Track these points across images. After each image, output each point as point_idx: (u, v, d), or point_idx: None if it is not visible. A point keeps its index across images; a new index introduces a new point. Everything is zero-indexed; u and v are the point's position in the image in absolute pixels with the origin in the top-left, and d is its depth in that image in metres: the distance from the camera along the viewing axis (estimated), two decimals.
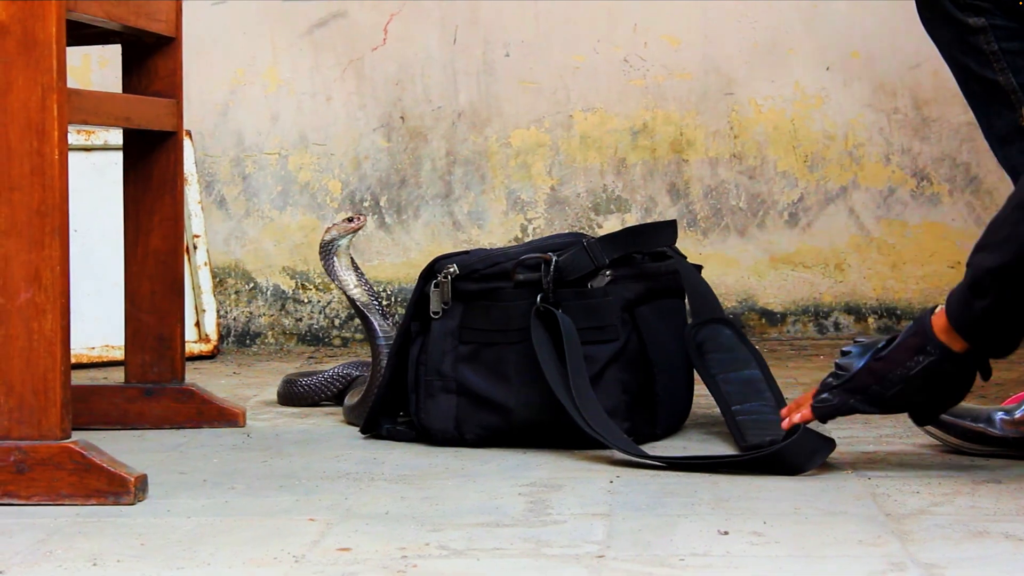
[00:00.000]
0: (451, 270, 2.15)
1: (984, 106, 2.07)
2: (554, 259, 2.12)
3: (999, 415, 2.01)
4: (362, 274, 2.37)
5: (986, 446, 2.00)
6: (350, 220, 2.34)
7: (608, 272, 2.13)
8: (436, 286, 2.16)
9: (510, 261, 2.14)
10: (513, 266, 2.13)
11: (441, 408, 2.14)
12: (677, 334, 2.21)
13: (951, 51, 2.07)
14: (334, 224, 2.36)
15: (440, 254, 2.22)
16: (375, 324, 2.33)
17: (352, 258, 2.37)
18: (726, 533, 1.61)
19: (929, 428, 2.05)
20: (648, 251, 2.22)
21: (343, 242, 2.35)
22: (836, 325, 3.30)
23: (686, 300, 2.27)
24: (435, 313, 2.16)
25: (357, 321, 3.31)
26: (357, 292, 2.34)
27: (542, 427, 2.10)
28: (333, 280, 2.36)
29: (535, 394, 2.09)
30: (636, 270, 2.17)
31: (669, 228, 2.27)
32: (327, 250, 2.35)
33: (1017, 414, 2.00)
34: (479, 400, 2.13)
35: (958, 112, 3.25)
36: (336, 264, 2.35)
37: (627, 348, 2.13)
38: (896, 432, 2.20)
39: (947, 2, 2.03)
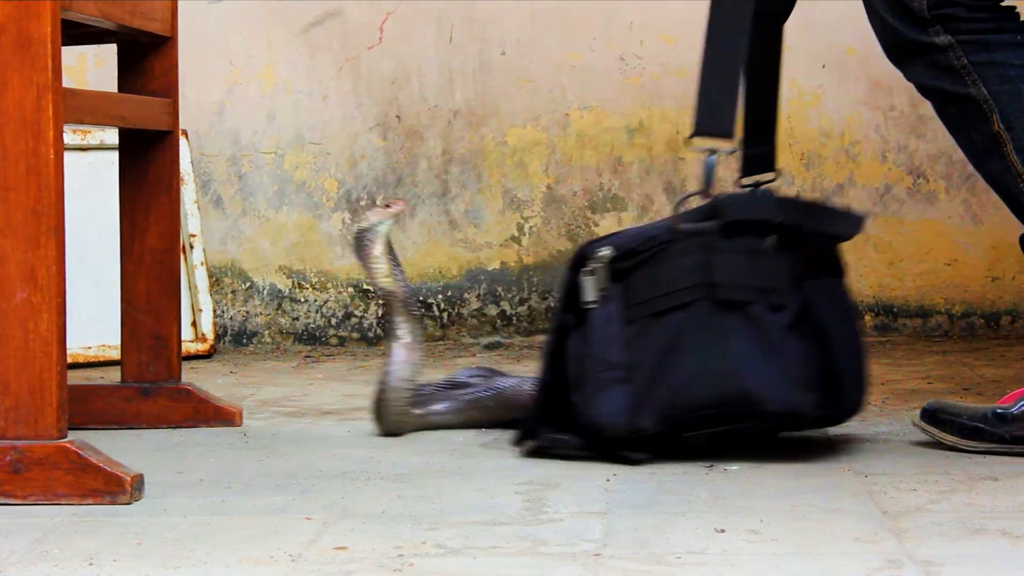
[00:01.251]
0: (605, 253, 1.99)
1: (963, 127, 2.10)
2: (718, 198, 1.98)
3: (996, 412, 2.01)
4: (398, 264, 2.24)
5: (983, 443, 2.00)
6: (388, 206, 2.22)
7: (774, 237, 1.98)
8: (589, 273, 2.00)
9: (668, 232, 1.99)
10: (674, 217, 1.99)
11: (614, 400, 1.96)
12: (847, 317, 2.04)
13: (926, 80, 2.10)
14: (372, 210, 2.23)
15: (587, 241, 2.06)
16: (400, 321, 2.21)
17: (391, 246, 2.23)
18: (723, 531, 1.61)
19: (926, 426, 2.05)
20: (820, 231, 2.03)
21: (383, 228, 2.20)
22: None
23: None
24: (590, 301, 1.99)
25: (354, 320, 3.32)
26: (387, 282, 2.21)
27: (721, 402, 1.94)
28: (367, 269, 2.22)
29: (714, 362, 1.94)
30: (802, 243, 2.00)
31: (849, 218, 2.07)
32: (366, 237, 2.21)
33: (1014, 410, 2.00)
34: (652, 380, 1.95)
35: None
36: (373, 251, 2.20)
37: (800, 320, 1.96)
38: (893, 430, 2.20)
39: (910, 31, 2.06)
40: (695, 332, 1.95)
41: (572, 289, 2.01)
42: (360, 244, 2.23)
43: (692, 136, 2.04)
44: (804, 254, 2.00)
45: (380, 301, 2.29)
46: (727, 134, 2.02)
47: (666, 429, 1.95)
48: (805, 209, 2.04)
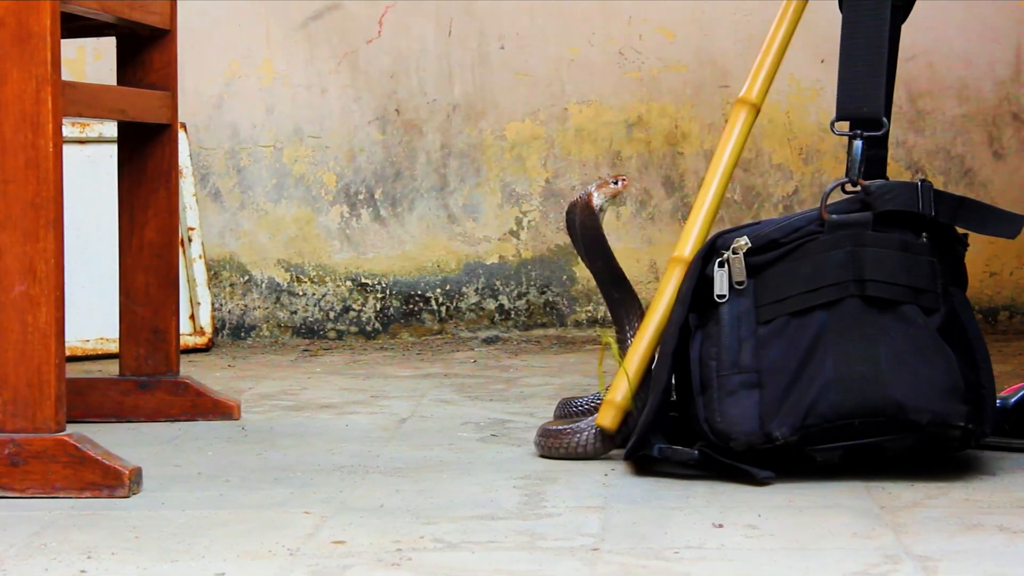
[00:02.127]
0: (741, 243, 1.83)
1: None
2: (870, 186, 1.83)
3: (996, 404, 2.01)
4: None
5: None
6: (615, 182, 1.99)
7: (925, 235, 1.84)
8: (722, 264, 1.83)
9: (813, 223, 1.83)
10: (822, 206, 1.82)
11: (745, 406, 1.79)
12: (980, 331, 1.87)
13: None
14: (597, 186, 2.00)
15: (718, 232, 1.89)
16: (634, 301, 1.98)
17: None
18: (721, 526, 1.62)
19: None
20: (979, 231, 1.88)
21: (607, 208, 2.00)
22: None
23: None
24: (720, 297, 1.83)
25: (352, 314, 3.32)
26: (612, 267, 2.00)
27: (865, 410, 1.78)
28: (584, 253, 2.00)
29: (859, 365, 1.77)
30: (949, 244, 1.86)
31: (1010, 219, 1.88)
32: (594, 217, 1.99)
33: (1012, 401, 2.00)
34: (790, 384, 1.79)
35: (952, 105, 3.25)
36: (598, 232, 1.99)
37: (951, 326, 1.82)
38: None
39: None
40: (840, 333, 1.79)
41: (700, 284, 1.85)
42: (586, 226, 2.01)
43: (837, 120, 1.89)
44: (949, 256, 1.87)
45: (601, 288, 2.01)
46: (875, 116, 1.88)
47: (799, 441, 1.79)
48: (960, 204, 1.86)
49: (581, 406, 2.13)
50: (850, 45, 1.91)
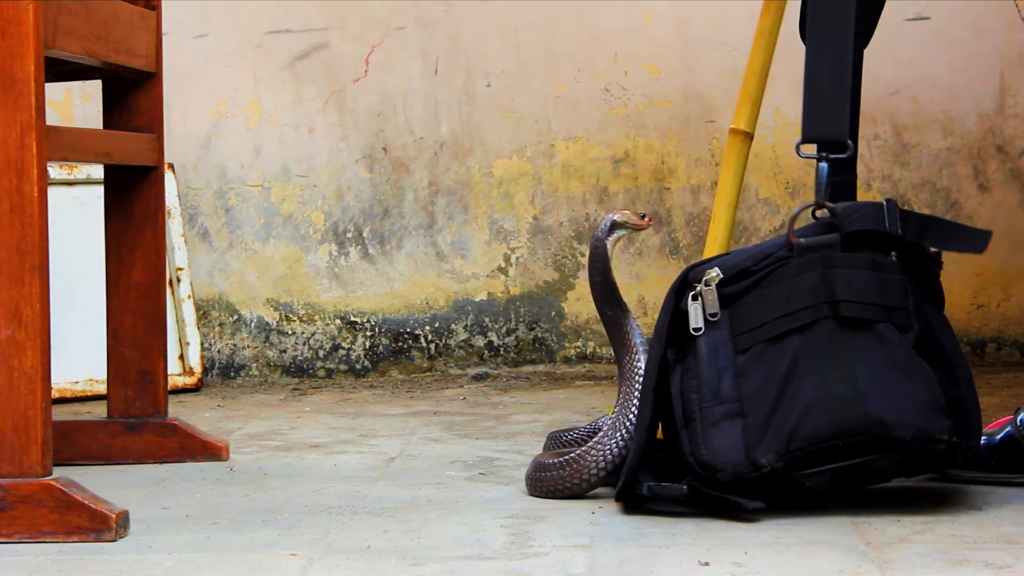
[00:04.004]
0: (713, 274, 1.84)
1: None
2: (836, 208, 1.84)
3: (981, 440, 2.01)
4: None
5: (968, 471, 2.00)
6: (642, 215, 2.01)
7: (894, 254, 1.84)
8: (696, 298, 1.84)
9: (782, 248, 1.84)
10: (789, 231, 1.83)
11: (729, 436, 1.79)
12: (959, 348, 1.88)
13: None
14: (622, 211, 2.01)
15: (690, 265, 1.90)
16: (633, 324, 1.99)
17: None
18: (707, 564, 1.62)
19: None
20: (945, 247, 1.88)
21: (622, 233, 2.01)
22: None
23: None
24: (696, 330, 1.83)
25: (342, 352, 3.32)
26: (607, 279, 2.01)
27: (848, 430, 1.77)
28: (596, 268, 2.02)
29: (838, 386, 1.77)
30: (920, 262, 1.86)
31: (975, 234, 1.89)
32: (608, 232, 2.01)
33: (999, 437, 2.01)
34: (771, 410, 1.79)
35: (937, 138, 3.27)
36: (607, 253, 2.01)
37: (927, 342, 1.81)
38: None
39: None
40: (817, 355, 1.79)
41: (675, 318, 1.85)
42: (598, 242, 2.03)
43: (802, 142, 1.91)
44: (921, 274, 1.87)
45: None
46: (840, 138, 1.90)
47: (786, 467, 1.79)
48: (927, 223, 1.86)
49: (571, 439, 2.13)
50: (814, 69, 1.93)
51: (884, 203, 1.84)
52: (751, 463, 1.79)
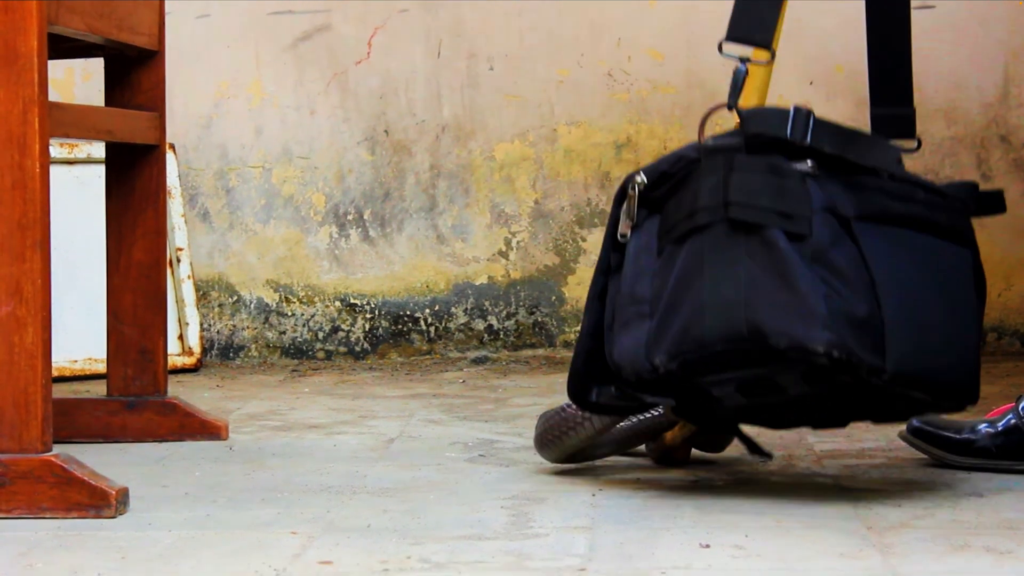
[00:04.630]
0: (637, 179, 1.83)
1: None
2: (742, 111, 1.81)
3: (983, 427, 2.01)
4: None
5: (969, 457, 2.00)
6: None
7: (810, 163, 1.78)
8: (621, 203, 1.84)
9: (694, 150, 1.82)
10: (700, 131, 1.81)
11: (634, 337, 1.79)
12: (935, 278, 1.81)
13: None
14: None
15: (629, 174, 1.89)
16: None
17: None
18: (708, 546, 1.61)
19: (912, 439, 2.05)
20: (861, 161, 1.82)
21: None
22: None
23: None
24: (622, 236, 1.84)
25: (341, 335, 3.31)
26: None
27: (730, 336, 1.74)
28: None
29: (724, 290, 1.74)
30: (858, 180, 1.80)
31: (887, 149, 1.84)
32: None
33: (1000, 425, 2.01)
34: (668, 310, 1.77)
35: (941, 127, 3.26)
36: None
37: (829, 255, 1.75)
38: (878, 445, 2.20)
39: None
40: (711, 257, 1.76)
41: (613, 226, 1.86)
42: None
43: (726, 40, 1.88)
44: (855, 189, 1.80)
45: None
46: (764, 43, 1.88)
47: (681, 370, 1.77)
48: (849, 137, 1.81)
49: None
50: None
51: (792, 109, 1.80)
52: (649, 364, 1.77)
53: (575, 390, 1.87)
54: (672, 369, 1.77)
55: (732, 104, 1.85)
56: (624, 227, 1.84)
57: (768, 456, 1.96)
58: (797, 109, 1.80)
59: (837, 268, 1.76)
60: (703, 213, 1.78)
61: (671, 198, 1.82)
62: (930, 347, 1.79)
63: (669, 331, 1.77)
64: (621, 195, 1.86)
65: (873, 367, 1.74)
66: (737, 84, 1.87)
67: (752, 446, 1.96)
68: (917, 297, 1.79)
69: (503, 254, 3.31)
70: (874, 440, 2.24)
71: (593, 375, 1.85)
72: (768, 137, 1.80)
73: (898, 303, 1.76)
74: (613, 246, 1.86)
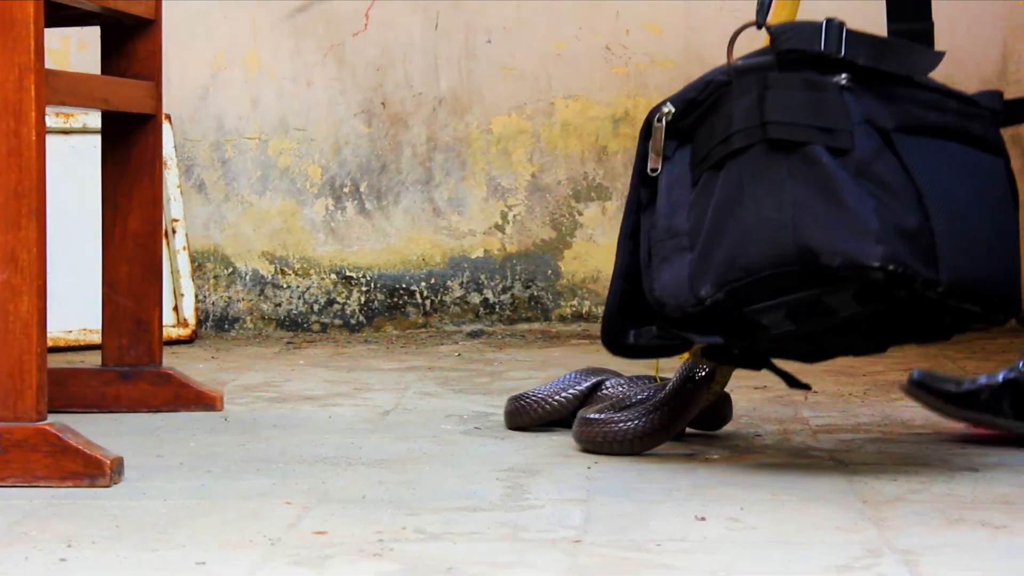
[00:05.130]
0: (665, 110, 1.78)
1: None
2: (773, 28, 1.76)
3: (983, 379, 1.99)
4: None
5: (968, 411, 1.98)
6: None
7: (844, 76, 1.74)
8: (648, 137, 1.79)
9: (723, 73, 1.77)
10: (729, 52, 1.76)
11: (675, 271, 1.73)
12: (975, 188, 1.76)
13: None
14: None
15: (653, 107, 1.83)
16: None
17: None
18: (703, 519, 1.61)
19: (912, 390, 2.02)
20: (899, 71, 1.77)
21: None
22: None
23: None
24: (652, 170, 1.78)
25: (336, 307, 3.31)
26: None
27: (779, 259, 1.68)
28: None
29: (769, 213, 1.69)
30: (891, 91, 1.76)
31: (926, 56, 1.81)
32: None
33: (1000, 377, 1.98)
34: (710, 240, 1.72)
35: None
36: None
37: (874, 168, 1.70)
38: (874, 420, 2.20)
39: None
40: (752, 180, 1.70)
41: (641, 161, 1.80)
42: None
43: None
44: (891, 101, 1.75)
45: None
46: None
47: (728, 300, 1.70)
48: (883, 47, 1.76)
49: (533, 399, 2.12)
50: None
51: (824, 22, 1.76)
52: (695, 296, 1.71)
53: (609, 335, 1.81)
54: (719, 300, 1.71)
55: (761, 22, 1.80)
56: (653, 161, 1.78)
57: (807, 387, 1.89)
58: (829, 21, 1.76)
59: (883, 181, 1.70)
60: (739, 136, 1.72)
61: (701, 126, 1.77)
62: (979, 257, 1.73)
63: (713, 261, 1.71)
64: (647, 128, 1.80)
65: (928, 280, 1.69)
66: (765, 1, 1.81)
67: (790, 379, 1.89)
68: (962, 207, 1.73)
69: (499, 228, 3.30)
70: (869, 415, 2.24)
71: (629, 317, 1.80)
72: (802, 52, 1.75)
73: (946, 214, 1.71)
74: (642, 182, 1.79)
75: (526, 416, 2.11)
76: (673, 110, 1.78)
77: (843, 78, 1.74)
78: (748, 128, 1.72)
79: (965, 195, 1.75)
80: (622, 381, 2.12)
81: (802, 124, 1.71)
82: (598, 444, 1.95)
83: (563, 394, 2.10)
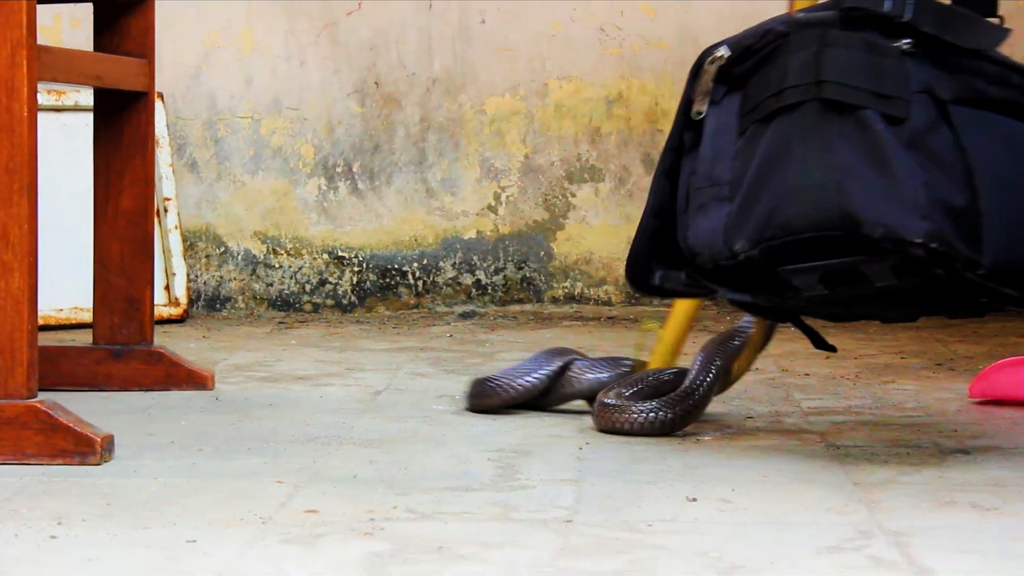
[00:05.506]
0: (719, 53, 1.72)
1: None
2: None
3: None
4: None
5: None
6: None
7: (907, 41, 1.68)
8: (697, 78, 1.74)
9: (783, 24, 1.71)
10: (790, 5, 1.72)
11: (712, 220, 1.68)
12: (1020, 167, 1.69)
13: None
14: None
15: (707, 47, 1.78)
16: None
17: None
18: (694, 500, 1.61)
19: None
20: (959, 42, 1.70)
21: None
22: None
23: None
24: (698, 113, 1.73)
25: (329, 287, 3.30)
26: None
27: (820, 223, 1.63)
28: None
29: (815, 174, 1.63)
30: (955, 62, 1.70)
31: (992, 31, 1.72)
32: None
33: None
34: (751, 194, 1.66)
35: None
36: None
37: (927, 140, 1.65)
38: (865, 403, 2.20)
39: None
40: (801, 139, 1.65)
41: (687, 102, 1.75)
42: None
43: None
44: (952, 71, 1.69)
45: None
46: None
47: (763, 257, 1.66)
48: (950, 16, 1.69)
49: (498, 381, 2.12)
50: None
51: None
52: (728, 249, 1.67)
53: (634, 272, 1.76)
54: (753, 256, 1.67)
55: None
56: (699, 103, 1.72)
57: (832, 349, 1.86)
58: None
59: (935, 154, 1.65)
60: (792, 92, 1.67)
61: (755, 75, 1.71)
62: (998, 232, 1.67)
63: (751, 216, 1.66)
64: (697, 69, 1.74)
65: (970, 260, 1.64)
66: None
67: (817, 339, 1.86)
68: (1013, 188, 1.68)
69: (492, 209, 3.30)
70: (861, 397, 2.24)
71: (657, 257, 1.76)
72: (866, 11, 1.69)
73: (995, 193, 1.66)
74: (686, 124, 1.74)
75: (492, 398, 2.10)
76: (729, 54, 1.72)
77: (906, 43, 1.68)
78: (803, 84, 1.67)
79: (1018, 176, 1.69)
80: (588, 363, 2.12)
81: (859, 87, 1.65)
82: (623, 431, 1.95)
83: (529, 376, 2.09)
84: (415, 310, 3.29)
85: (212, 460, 1.82)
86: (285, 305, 3.31)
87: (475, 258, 3.30)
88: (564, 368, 2.11)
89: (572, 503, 1.60)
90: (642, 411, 1.94)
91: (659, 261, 1.76)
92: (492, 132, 3.31)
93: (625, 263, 1.79)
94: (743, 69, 1.73)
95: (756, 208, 1.66)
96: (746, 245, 1.66)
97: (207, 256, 3.31)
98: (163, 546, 1.44)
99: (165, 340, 2.81)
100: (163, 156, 3.19)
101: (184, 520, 1.53)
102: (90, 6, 2.31)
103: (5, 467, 1.77)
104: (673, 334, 2.01)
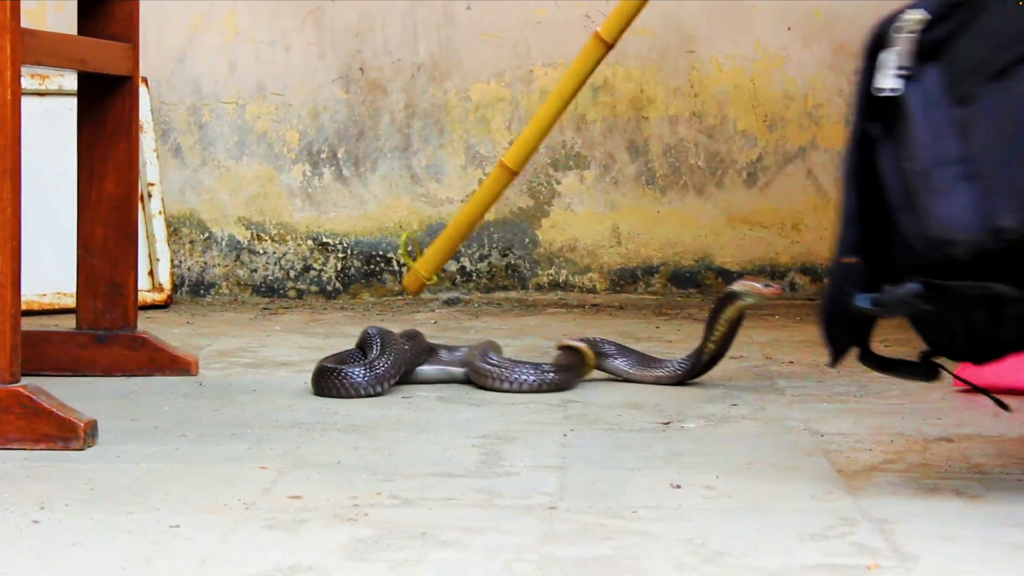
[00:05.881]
0: (914, 17, 1.48)
1: None
2: None
3: None
4: (732, 338, 2.22)
5: None
6: (766, 285, 2.19)
7: None
8: (880, 48, 1.50)
9: None
10: None
11: (959, 203, 1.43)
12: None
13: None
14: (745, 280, 2.20)
15: (884, 18, 1.52)
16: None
17: (742, 317, 2.20)
18: (679, 487, 1.61)
19: None
20: None
21: (747, 300, 2.18)
22: (792, 285, 3.31)
23: None
24: (893, 91, 1.49)
25: (313, 273, 3.30)
26: (711, 347, 2.21)
27: None
28: (708, 325, 2.21)
29: None
30: None
31: None
32: (725, 300, 2.20)
33: None
34: (1008, 161, 1.44)
35: None
36: (720, 316, 2.19)
37: None
38: (850, 390, 2.20)
39: None
40: None
41: (867, 88, 1.52)
42: (716, 305, 2.22)
43: None
44: None
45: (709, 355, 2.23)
46: None
47: None
48: None
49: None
50: None
51: None
52: (992, 229, 1.43)
53: (835, 299, 1.53)
54: None
55: None
56: (891, 82, 1.48)
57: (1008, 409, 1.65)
58: None
59: None
60: None
61: (965, 31, 1.48)
62: None
63: (1013, 185, 1.43)
64: (878, 43, 1.51)
65: None
66: None
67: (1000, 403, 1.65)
68: None
69: None
70: (845, 385, 2.24)
71: (850, 281, 1.52)
72: None
73: None
74: (870, 111, 1.51)
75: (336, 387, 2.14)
76: (927, 16, 1.49)
77: None
78: None
79: None
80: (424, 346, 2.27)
81: None
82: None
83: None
84: (399, 296, 3.28)
85: (195, 445, 1.82)
86: (269, 291, 3.30)
87: (460, 245, 3.29)
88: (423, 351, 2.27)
89: (556, 489, 1.60)
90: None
91: (849, 284, 1.53)
92: (477, 119, 3.30)
93: (827, 296, 1.55)
94: (948, 30, 1.49)
95: (1017, 175, 1.43)
96: (1015, 219, 1.42)
97: (191, 242, 3.30)
98: (146, 531, 1.44)
99: (149, 326, 2.80)
100: (147, 141, 3.18)
101: (167, 505, 1.53)
102: None
103: None
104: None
